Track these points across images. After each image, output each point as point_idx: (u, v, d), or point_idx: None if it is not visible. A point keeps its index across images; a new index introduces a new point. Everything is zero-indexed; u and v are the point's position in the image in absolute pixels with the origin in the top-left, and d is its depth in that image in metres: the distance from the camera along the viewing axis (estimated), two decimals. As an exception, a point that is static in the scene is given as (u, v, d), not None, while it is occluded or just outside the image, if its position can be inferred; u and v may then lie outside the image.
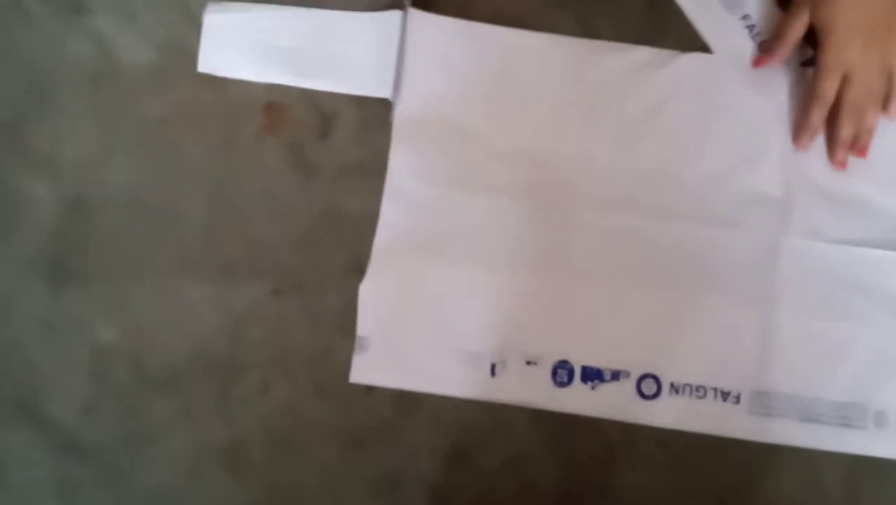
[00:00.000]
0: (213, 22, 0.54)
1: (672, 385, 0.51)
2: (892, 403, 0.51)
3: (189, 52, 0.54)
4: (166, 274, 0.53)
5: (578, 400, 0.51)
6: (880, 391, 0.52)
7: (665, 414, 0.51)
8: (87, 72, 0.54)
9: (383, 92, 0.54)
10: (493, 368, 0.52)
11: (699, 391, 0.51)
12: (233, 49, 0.54)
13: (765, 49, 0.54)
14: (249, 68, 0.54)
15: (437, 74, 0.54)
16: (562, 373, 0.52)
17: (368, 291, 0.52)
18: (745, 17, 0.54)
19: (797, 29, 0.52)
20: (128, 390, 0.52)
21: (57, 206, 0.54)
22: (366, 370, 0.52)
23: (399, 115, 0.54)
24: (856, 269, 0.52)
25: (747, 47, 0.54)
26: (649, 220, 0.53)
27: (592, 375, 0.52)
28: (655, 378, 0.52)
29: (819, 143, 0.54)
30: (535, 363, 0.52)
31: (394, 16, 0.54)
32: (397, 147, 0.54)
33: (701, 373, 0.52)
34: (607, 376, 0.52)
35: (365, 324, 0.52)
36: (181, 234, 0.53)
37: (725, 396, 0.51)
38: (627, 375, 0.52)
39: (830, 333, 0.52)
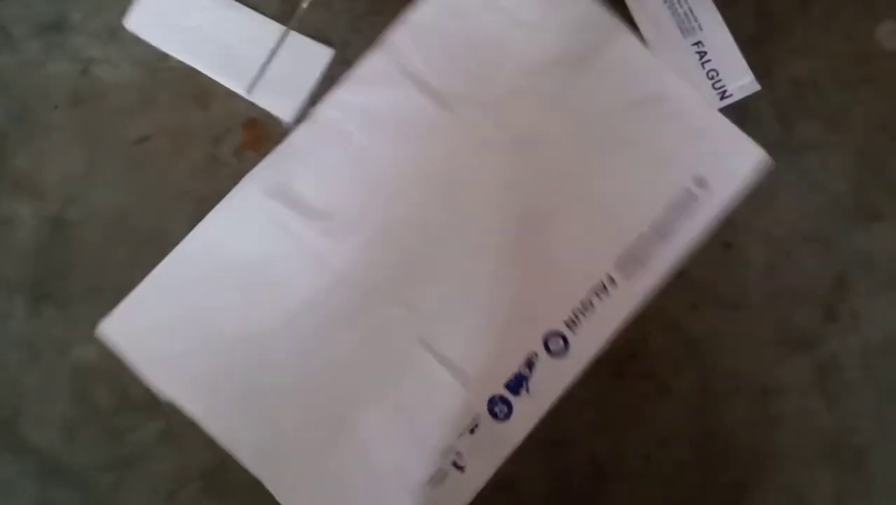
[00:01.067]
0: None
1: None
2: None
3: (171, 71, 0.54)
4: (148, 293, 0.52)
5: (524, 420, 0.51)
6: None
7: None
8: (68, 91, 0.54)
9: (285, 115, 0.54)
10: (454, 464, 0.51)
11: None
12: (163, 20, 0.54)
13: None
14: (172, 44, 0.54)
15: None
16: (501, 407, 0.51)
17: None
18: (697, 43, 0.55)
19: None
20: (109, 412, 0.52)
21: (38, 226, 0.53)
22: None
23: None
24: None
25: (696, 72, 0.54)
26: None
27: (515, 387, 0.51)
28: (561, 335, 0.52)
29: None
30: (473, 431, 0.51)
31: (324, 51, 0.55)
32: None
33: None
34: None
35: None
36: (163, 253, 0.53)
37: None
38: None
39: None
